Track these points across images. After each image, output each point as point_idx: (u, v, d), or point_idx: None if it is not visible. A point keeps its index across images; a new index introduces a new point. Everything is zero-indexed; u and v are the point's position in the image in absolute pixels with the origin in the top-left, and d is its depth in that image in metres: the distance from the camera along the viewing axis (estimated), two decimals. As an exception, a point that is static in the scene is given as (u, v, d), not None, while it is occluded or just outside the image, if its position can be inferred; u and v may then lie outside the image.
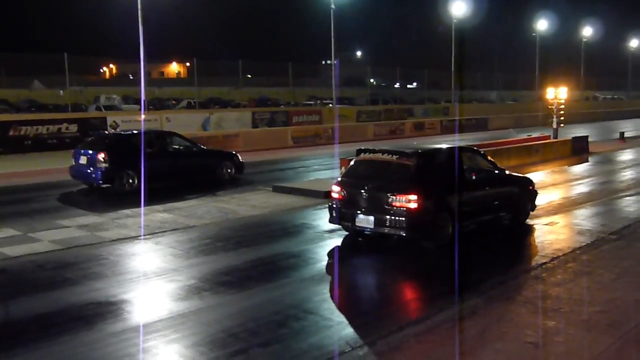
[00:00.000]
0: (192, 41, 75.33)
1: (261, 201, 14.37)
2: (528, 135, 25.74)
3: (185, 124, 28.95)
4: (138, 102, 36.31)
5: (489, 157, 11.84)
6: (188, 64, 59.52)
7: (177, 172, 16.25)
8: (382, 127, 35.76)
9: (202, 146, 17.53)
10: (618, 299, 7.59)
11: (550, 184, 17.30)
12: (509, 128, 40.38)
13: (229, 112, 37.41)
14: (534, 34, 60.72)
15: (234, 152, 18.25)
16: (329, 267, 9.18)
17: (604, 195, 15.49)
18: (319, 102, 49.14)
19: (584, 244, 10.38)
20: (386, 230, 9.67)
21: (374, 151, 10.66)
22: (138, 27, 27.51)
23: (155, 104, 40.45)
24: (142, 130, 16.76)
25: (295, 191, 15.34)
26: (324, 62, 61.92)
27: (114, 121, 26.21)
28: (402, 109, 45.45)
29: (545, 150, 22.45)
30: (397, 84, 70.12)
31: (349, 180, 10.36)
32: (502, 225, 11.47)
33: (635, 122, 47.91)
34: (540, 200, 13.49)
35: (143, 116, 27.58)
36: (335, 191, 10.37)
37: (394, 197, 9.49)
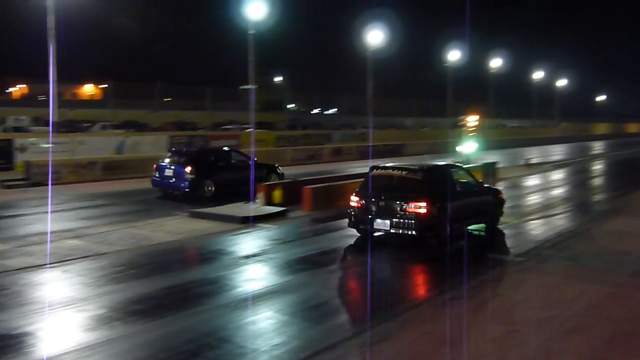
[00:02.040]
0: (108, 62, 73.52)
1: (176, 227, 14.08)
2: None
3: (99, 147, 28.09)
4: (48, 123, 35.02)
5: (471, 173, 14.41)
6: (104, 85, 58.00)
7: (240, 181, 18.79)
8: (301, 152, 36.00)
9: (255, 159, 20.71)
10: (527, 318, 7.89)
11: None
12: (423, 154, 41.52)
13: (145, 135, 36.60)
14: (445, 64, 63.03)
15: (276, 165, 21.43)
16: (248, 293, 9.08)
17: (512, 219, 16.15)
18: (237, 126, 48.94)
19: (496, 266, 10.77)
20: (400, 231, 11.71)
21: (385, 167, 12.94)
22: (49, 46, 26.61)
23: (68, 126, 39.09)
24: (225, 148, 22.16)
25: (212, 216, 15.12)
26: (244, 87, 61.83)
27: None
28: (320, 134, 45.90)
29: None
30: (316, 109, 71.04)
31: (365, 192, 12.33)
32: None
33: (540, 149, 50.42)
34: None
35: (52, 139, 26.52)
36: (354, 201, 12.36)
37: (408, 205, 11.59)
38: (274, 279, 10.12)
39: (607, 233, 13.91)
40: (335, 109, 75.19)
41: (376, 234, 12.39)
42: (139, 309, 8.12)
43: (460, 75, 64.86)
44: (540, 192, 22.26)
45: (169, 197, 18.46)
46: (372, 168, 12.98)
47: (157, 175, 19.02)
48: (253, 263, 10.89)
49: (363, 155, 38.94)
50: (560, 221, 16.09)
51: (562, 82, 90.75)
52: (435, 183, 12.40)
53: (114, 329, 7.34)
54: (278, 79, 79.41)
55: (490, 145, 45.92)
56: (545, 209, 17.84)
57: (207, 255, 11.66)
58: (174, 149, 21.43)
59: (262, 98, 56.40)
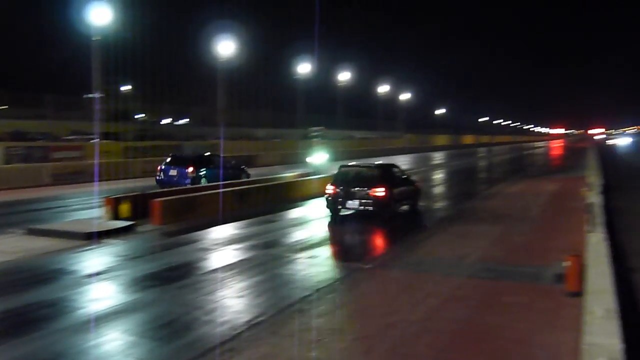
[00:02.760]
0: None
1: (12, 245, 13.06)
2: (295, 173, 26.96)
3: None
4: None
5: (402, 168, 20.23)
6: None
7: (225, 177, 22.77)
8: (151, 164, 34.80)
9: (232, 161, 27.66)
10: (373, 324, 8.18)
11: (312, 219, 18.24)
12: (275, 165, 41.94)
13: (-26, 146, 33.60)
14: (295, 77, 64.18)
15: (243, 166, 27.83)
16: (92, 314, 8.60)
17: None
18: (81, 136, 46.41)
19: (343, 274, 11.07)
20: (364, 208, 16.86)
21: (351, 165, 19.18)
22: None
23: None
24: (207, 153, 27.30)
25: (53, 233, 14.21)
26: (88, 95, 58.83)
27: None
28: (171, 145, 44.80)
29: (307, 186, 23.57)
30: (167, 119, 69.32)
31: (338, 182, 17.59)
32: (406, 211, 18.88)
33: (386, 160, 52.75)
34: (303, 235, 14.25)
35: None
36: (330, 189, 17.49)
37: (370, 190, 16.79)
38: (120, 297, 9.69)
39: (445, 240, 14.83)
40: (187, 120, 73.85)
41: (346, 212, 17.57)
42: (-34, 338, 7.42)
43: (310, 87, 66.32)
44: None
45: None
46: (341, 167, 18.75)
47: (161, 175, 24.59)
48: (97, 282, 10.36)
49: (216, 166, 38.49)
50: (404, 228, 16.92)
51: (405, 96, 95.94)
52: (387, 176, 17.98)
53: None
54: (126, 87, 76.48)
55: (339, 156, 47.41)
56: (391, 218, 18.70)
57: (47, 275, 10.90)
58: (173, 154, 26.56)
59: (109, 107, 54.11)
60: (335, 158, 42.22)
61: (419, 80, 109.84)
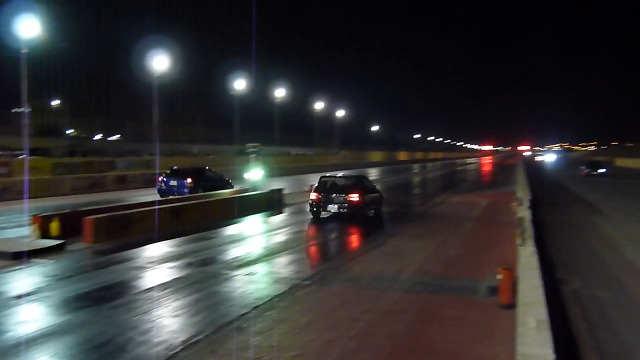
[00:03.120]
0: None
1: None
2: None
3: None
4: None
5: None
6: None
7: (215, 189, 26.01)
8: (82, 181, 33.80)
9: (220, 174, 29.66)
10: (313, 340, 8.15)
11: (249, 236, 18.11)
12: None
13: None
14: (231, 92, 63.92)
15: (228, 179, 29.62)
16: (20, 337, 8.22)
17: (299, 243, 16.73)
18: (9, 152, 44.71)
19: (282, 291, 11.00)
20: (341, 211, 20.32)
21: (330, 176, 22.76)
22: None
23: None
24: (201, 167, 30.49)
25: (-24, 253, 13.55)
26: (16, 110, 56.84)
27: None
28: (103, 161, 43.70)
29: (244, 202, 23.37)
30: (98, 135, 67.70)
31: (320, 190, 20.97)
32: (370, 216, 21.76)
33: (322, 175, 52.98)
34: (240, 252, 14.15)
35: None
36: (314, 195, 20.87)
37: (347, 196, 20.29)
38: (50, 319, 9.30)
39: (385, 254, 14.99)
40: (119, 135, 72.34)
41: (326, 215, 21.14)
42: None
43: (246, 104, 66.20)
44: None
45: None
46: (322, 177, 22.26)
47: (163, 186, 27.23)
48: (26, 303, 9.94)
49: (149, 183, 37.78)
50: (342, 245, 17.01)
51: (340, 113, 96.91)
52: (360, 184, 21.66)
53: None
54: (55, 102, 74.27)
55: (275, 172, 47.40)
56: (330, 233, 18.78)
57: (-30, 297, 10.38)
58: (173, 168, 28.93)
59: (37, 122, 52.41)
60: (271, 174, 42.14)
61: (354, 98, 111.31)
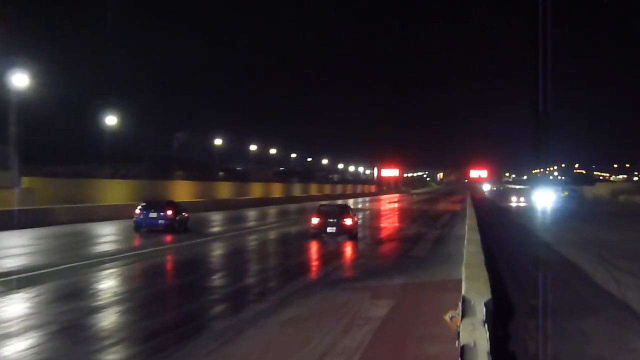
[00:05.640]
0: None
1: None
2: None
3: None
4: None
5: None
6: None
7: (184, 218, 29.43)
8: None
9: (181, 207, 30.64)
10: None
11: None
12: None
13: None
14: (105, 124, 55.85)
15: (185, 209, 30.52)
16: None
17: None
18: None
19: None
20: (338, 232, 25.60)
21: (328, 204, 33.08)
22: None
23: None
24: (169, 200, 33.13)
25: None
26: None
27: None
28: None
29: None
30: None
31: (320, 215, 26.30)
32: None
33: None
34: None
35: None
36: (316, 219, 26.01)
37: (342, 220, 25.80)
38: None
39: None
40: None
41: (325, 235, 25.66)
42: None
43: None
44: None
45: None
46: (320, 205, 29.41)
47: (141, 217, 27.63)
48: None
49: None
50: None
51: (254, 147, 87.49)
52: (350, 210, 27.49)
53: None
54: None
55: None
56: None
57: None
58: (147, 201, 29.78)
59: None
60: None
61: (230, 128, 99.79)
